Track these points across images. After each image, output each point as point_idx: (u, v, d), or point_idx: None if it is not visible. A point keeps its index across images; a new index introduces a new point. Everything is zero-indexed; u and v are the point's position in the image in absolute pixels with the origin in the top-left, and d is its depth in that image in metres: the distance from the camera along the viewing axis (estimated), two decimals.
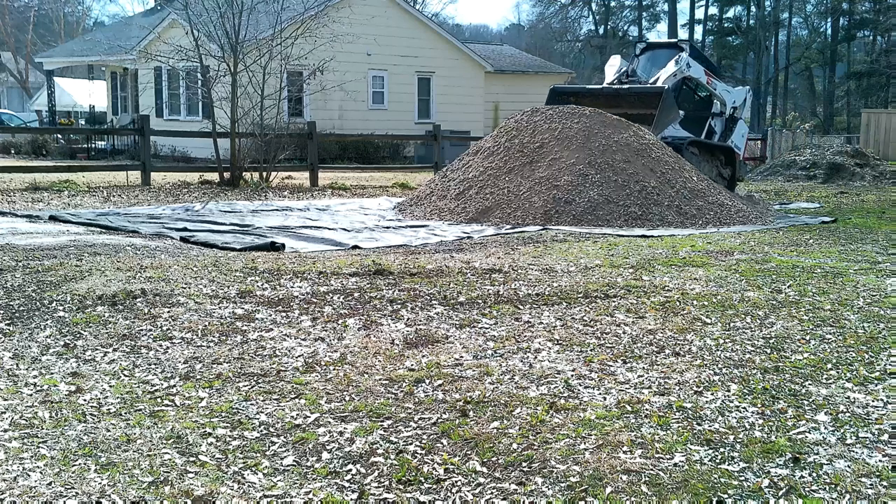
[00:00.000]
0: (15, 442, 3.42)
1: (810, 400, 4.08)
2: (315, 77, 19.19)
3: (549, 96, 15.32)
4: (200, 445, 3.45)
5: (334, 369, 4.48)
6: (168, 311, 5.52)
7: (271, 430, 3.65)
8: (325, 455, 3.40)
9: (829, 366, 4.64)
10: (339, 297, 6.14)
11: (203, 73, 17.86)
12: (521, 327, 5.40)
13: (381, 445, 3.50)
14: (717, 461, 3.35)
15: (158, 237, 9.41)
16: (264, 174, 17.38)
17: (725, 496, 3.05)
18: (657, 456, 3.38)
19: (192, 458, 3.33)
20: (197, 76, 20.29)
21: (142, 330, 5.09)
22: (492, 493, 3.10)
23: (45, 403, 3.86)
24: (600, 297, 6.33)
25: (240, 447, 3.46)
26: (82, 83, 40.34)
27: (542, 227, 10.73)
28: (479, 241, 9.71)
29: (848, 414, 3.89)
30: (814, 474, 3.23)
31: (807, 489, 3.11)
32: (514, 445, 3.49)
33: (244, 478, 3.19)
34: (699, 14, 64.97)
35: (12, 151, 26.20)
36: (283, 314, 5.61)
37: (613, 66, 15.97)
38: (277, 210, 12.72)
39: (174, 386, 4.16)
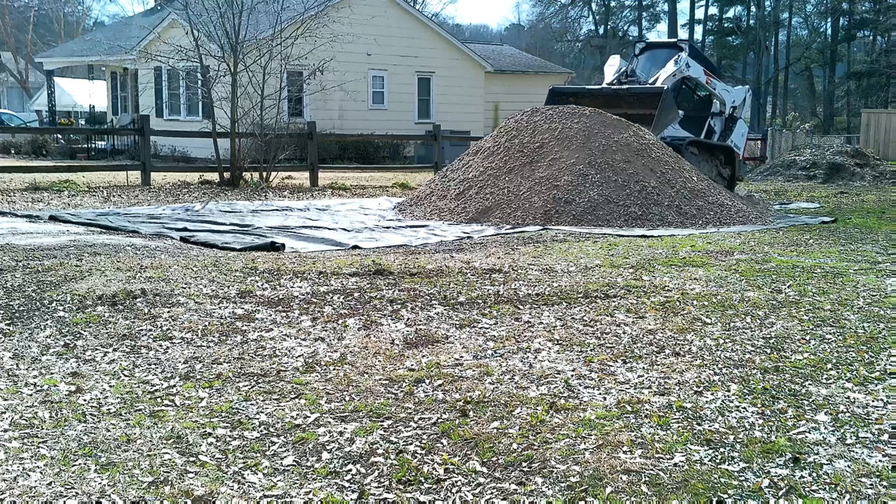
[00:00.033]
0: (15, 442, 3.42)
1: (810, 400, 4.08)
2: (315, 77, 19.19)
3: (548, 97, 15.31)
4: (200, 445, 3.45)
5: (334, 369, 4.48)
6: (168, 311, 5.53)
7: (271, 430, 3.65)
8: (325, 455, 3.40)
9: (829, 366, 4.64)
10: (339, 297, 6.14)
11: (203, 73, 17.87)
12: (521, 327, 5.40)
13: (381, 445, 3.50)
14: (717, 461, 3.35)
15: (158, 237, 9.41)
16: (264, 174, 17.38)
17: (725, 496, 3.05)
18: (657, 456, 3.38)
19: (192, 458, 3.33)
20: (197, 76, 20.30)
21: (142, 330, 5.09)
22: (492, 493, 3.10)
23: (45, 403, 3.86)
24: (600, 297, 6.33)
25: (240, 447, 3.46)
26: (82, 83, 40.35)
27: (542, 227, 10.73)
28: (479, 241, 9.71)
29: (848, 414, 3.89)
30: (814, 474, 3.23)
31: (807, 489, 3.11)
32: (514, 445, 3.49)
33: (244, 478, 3.19)
34: (699, 14, 65.06)
35: (12, 151, 26.20)
36: (283, 314, 5.61)
37: (613, 66, 15.96)
38: (277, 210, 12.72)
39: (174, 386, 4.16)
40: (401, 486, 3.14)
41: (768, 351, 4.92)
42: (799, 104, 64.20)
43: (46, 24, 56.58)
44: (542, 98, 15.72)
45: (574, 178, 11.63)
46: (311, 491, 3.09)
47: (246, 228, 10.32)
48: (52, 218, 10.80)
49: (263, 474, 3.22)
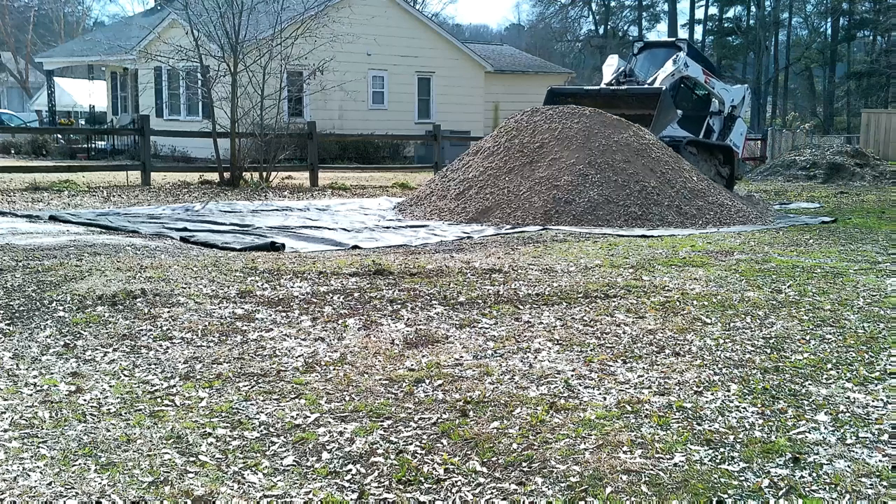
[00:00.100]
0: (15, 442, 3.42)
1: (810, 400, 4.08)
2: (315, 77, 19.19)
3: (547, 97, 15.30)
4: (200, 445, 3.45)
5: (334, 369, 4.48)
6: (168, 311, 5.53)
7: (271, 430, 3.65)
8: (325, 455, 3.41)
9: (829, 366, 4.64)
10: (339, 297, 6.14)
11: (203, 73, 17.87)
12: (521, 327, 5.40)
13: (381, 445, 3.50)
14: (717, 461, 3.35)
15: (158, 237, 9.41)
16: (264, 174, 17.38)
17: (725, 496, 3.05)
18: (657, 456, 3.38)
19: (192, 458, 3.33)
20: (197, 76, 20.30)
21: (142, 330, 5.09)
22: (492, 493, 3.10)
23: (45, 403, 3.86)
24: (600, 297, 6.33)
25: (240, 447, 3.46)
26: (82, 83, 40.35)
27: (542, 227, 10.73)
28: (479, 241, 9.71)
29: (848, 414, 3.89)
30: (814, 474, 3.23)
31: (807, 489, 3.11)
32: (514, 445, 3.49)
33: (244, 478, 3.19)
34: (699, 14, 65.05)
35: (12, 151, 26.20)
36: (283, 314, 5.61)
37: (611, 66, 15.95)
38: (277, 210, 12.72)
39: (174, 386, 4.16)
40: (401, 486, 3.14)
41: (768, 351, 4.92)
42: (799, 104, 64.20)
43: (46, 24, 56.58)
44: (541, 98, 15.72)
45: (574, 178, 11.63)
46: (311, 491, 3.09)
47: (246, 228, 10.32)
48: (52, 218, 10.80)
49: (263, 474, 3.22)
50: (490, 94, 31.93)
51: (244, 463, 3.32)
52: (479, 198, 11.86)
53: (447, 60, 29.56)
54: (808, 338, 5.22)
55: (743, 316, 5.77)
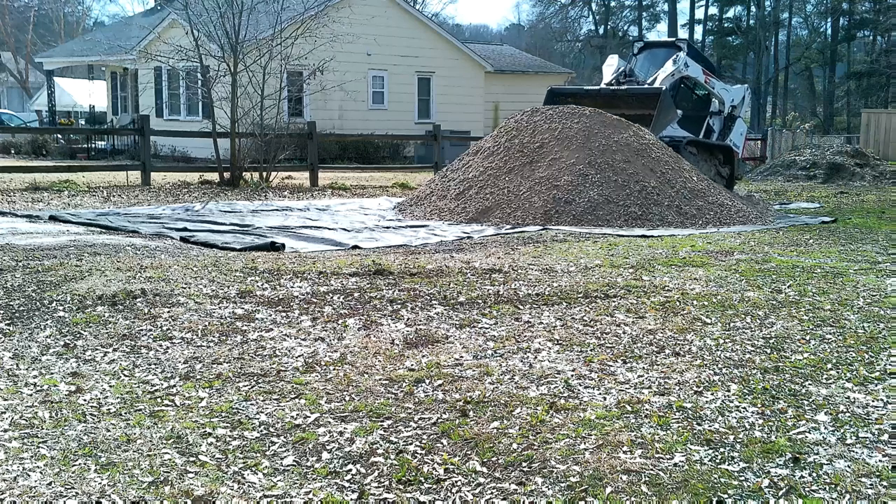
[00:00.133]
0: (15, 442, 3.42)
1: (810, 400, 4.08)
2: (315, 77, 19.19)
3: (547, 97, 15.30)
4: (200, 445, 3.45)
5: (334, 369, 4.48)
6: (168, 311, 5.53)
7: (271, 430, 3.65)
8: (325, 455, 3.41)
9: (829, 366, 4.64)
10: (339, 297, 6.14)
11: (203, 73, 17.87)
12: (521, 327, 5.40)
13: (381, 445, 3.50)
14: (717, 461, 3.35)
15: (158, 237, 9.41)
16: (264, 174, 17.38)
17: (725, 496, 3.05)
18: (657, 456, 3.38)
19: (192, 458, 3.33)
20: (197, 76, 20.30)
21: (142, 330, 5.09)
22: (492, 493, 3.10)
23: (45, 403, 3.87)
24: (600, 297, 6.33)
25: (240, 447, 3.46)
26: (82, 83, 40.35)
27: (542, 227, 10.73)
28: (479, 241, 9.71)
29: (848, 414, 3.89)
30: (814, 474, 3.23)
31: (807, 489, 3.11)
32: (514, 445, 3.49)
33: (244, 478, 3.19)
34: (699, 14, 65.05)
35: (12, 151, 26.20)
36: (283, 314, 5.62)
37: (611, 66, 15.95)
38: (277, 210, 12.72)
39: (174, 386, 4.16)
40: (401, 486, 3.14)
41: (768, 351, 4.92)
42: (799, 104, 64.20)
43: (46, 24, 56.58)
44: (542, 98, 15.72)
45: (574, 178, 11.63)
46: (311, 491, 3.09)
47: (246, 228, 10.32)
48: (52, 218, 10.80)
49: (263, 474, 3.22)
50: (490, 94, 31.93)
51: (244, 463, 3.32)
52: (479, 198, 11.86)
53: (447, 60, 29.56)
54: (808, 338, 5.22)
55: (743, 316, 5.77)
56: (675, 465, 3.31)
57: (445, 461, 3.35)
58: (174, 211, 12.07)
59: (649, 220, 11.17)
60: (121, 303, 5.68)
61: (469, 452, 3.44)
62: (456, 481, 3.19)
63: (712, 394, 4.14)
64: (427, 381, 4.28)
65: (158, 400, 3.97)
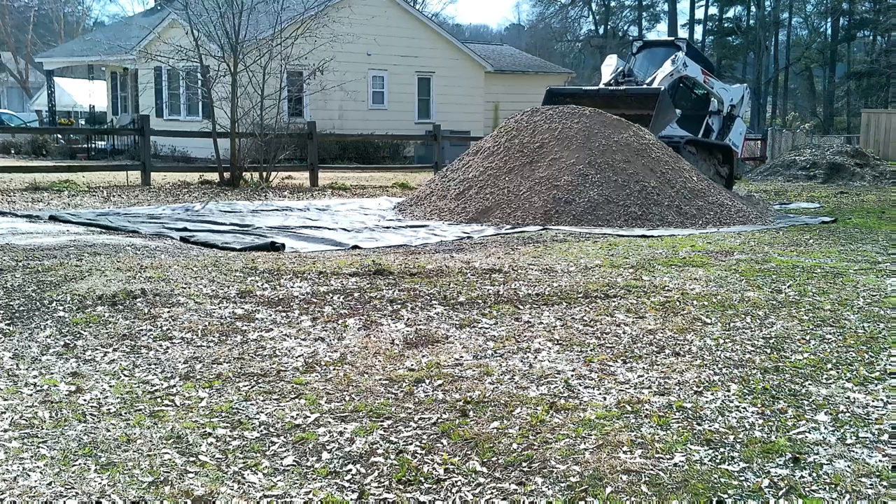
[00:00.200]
0: (15, 442, 3.42)
1: (810, 400, 4.08)
2: (315, 77, 19.19)
3: (546, 97, 15.29)
4: (200, 445, 3.45)
5: (334, 369, 4.48)
6: (168, 311, 5.53)
7: (271, 430, 3.65)
8: (325, 455, 3.41)
9: (829, 366, 4.64)
10: (339, 297, 6.14)
11: (203, 73, 17.87)
12: (521, 327, 5.40)
13: (381, 445, 3.50)
14: (717, 461, 3.35)
15: (158, 237, 9.41)
16: (264, 174, 17.38)
17: (725, 496, 3.05)
18: (657, 456, 3.38)
19: (192, 458, 3.33)
20: (197, 76, 20.30)
21: (142, 330, 5.09)
22: (492, 493, 3.10)
23: (45, 403, 3.87)
24: (600, 297, 6.33)
25: (240, 447, 3.46)
26: (82, 83, 40.35)
27: (542, 227, 10.73)
28: (479, 241, 9.71)
29: (848, 414, 3.89)
30: (814, 474, 3.23)
31: (807, 489, 3.11)
32: (514, 445, 3.49)
33: (244, 478, 3.19)
34: (699, 14, 65.04)
35: (12, 151, 26.20)
36: (283, 314, 5.61)
37: (610, 66, 15.94)
38: (277, 210, 12.72)
39: (174, 386, 4.16)
40: (401, 486, 3.14)
41: (768, 351, 4.92)
42: (799, 104, 64.20)
43: (46, 24, 56.58)
44: (541, 98, 15.71)
45: (574, 178, 11.63)
46: (311, 491, 3.09)
47: (246, 228, 10.32)
48: (52, 218, 10.80)
49: (263, 474, 3.22)
50: (490, 94, 31.93)
51: (244, 463, 3.32)
52: (479, 198, 11.86)
53: (447, 60, 29.56)
54: (808, 338, 5.22)
55: (743, 316, 5.77)
56: (675, 465, 3.31)
57: (445, 461, 3.35)
58: (174, 211, 12.07)
59: (649, 220, 11.17)
60: (121, 303, 5.68)
61: (469, 452, 3.44)
62: (456, 481, 3.19)
63: (712, 394, 4.14)
64: (427, 381, 4.28)
65: (158, 400, 3.97)
